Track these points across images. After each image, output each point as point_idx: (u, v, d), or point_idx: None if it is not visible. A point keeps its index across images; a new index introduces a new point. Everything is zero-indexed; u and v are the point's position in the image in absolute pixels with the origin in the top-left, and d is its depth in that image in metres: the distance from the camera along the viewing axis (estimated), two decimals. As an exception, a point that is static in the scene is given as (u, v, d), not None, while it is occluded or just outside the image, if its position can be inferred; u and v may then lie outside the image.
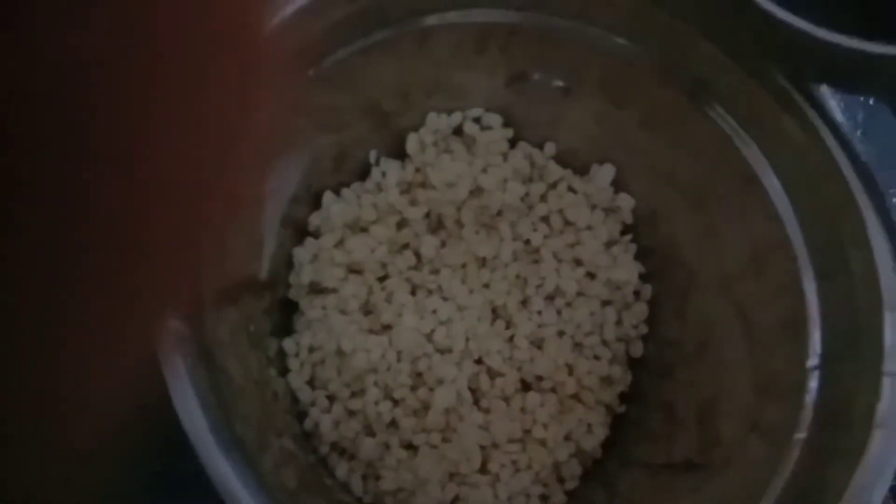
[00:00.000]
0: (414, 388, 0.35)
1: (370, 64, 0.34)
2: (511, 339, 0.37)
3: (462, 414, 0.35)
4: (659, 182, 0.37)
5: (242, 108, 0.14)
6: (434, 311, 0.36)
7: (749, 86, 0.32)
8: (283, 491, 0.29)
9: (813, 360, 0.31)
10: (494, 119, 0.39)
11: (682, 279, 0.37)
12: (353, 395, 0.35)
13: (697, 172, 0.36)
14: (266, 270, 0.36)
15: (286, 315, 0.37)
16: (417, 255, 0.37)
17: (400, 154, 0.38)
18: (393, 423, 0.35)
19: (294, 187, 0.36)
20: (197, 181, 0.14)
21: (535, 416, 0.36)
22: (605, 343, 0.37)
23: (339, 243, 0.37)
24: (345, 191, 0.38)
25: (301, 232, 0.37)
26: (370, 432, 0.35)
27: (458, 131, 0.39)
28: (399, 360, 0.35)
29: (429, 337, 0.36)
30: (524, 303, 0.37)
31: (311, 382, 0.36)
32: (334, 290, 0.36)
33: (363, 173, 0.38)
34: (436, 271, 0.37)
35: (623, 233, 0.39)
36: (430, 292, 0.37)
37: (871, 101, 0.40)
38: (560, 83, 0.37)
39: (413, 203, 0.38)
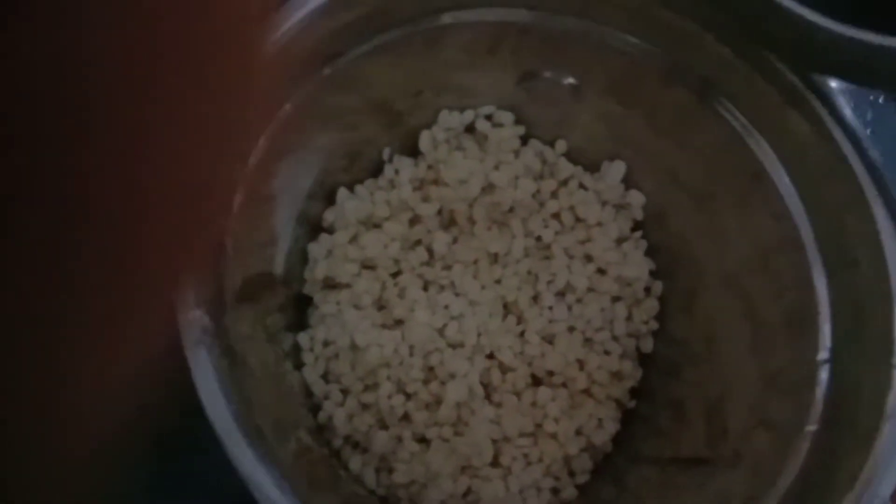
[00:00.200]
0: (426, 383, 0.36)
1: (382, 64, 0.35)
2: (522, 334, 0.37)
3: (474, 408, 0.35)
4: (667, 179, 0.37)
5: (242, 108, 0.14)
6: (446, 307, 0.37)
7: (757, 82, 0.32)
8: (302, 482, 0.29)
9: (822, 354, 0.31)
10: (506, 117, 0.39)
11: (690, 276, 0.37)
12: (367, 388, 0.36)
13: (706, 169, 0.36)
14: (282, 266, 0.36)
15: (301, 310, 0.37)
16: (430, 251, 0.38)
17: (413, 151, 0.39)
18: (405, 417, 0.35)
19: (309, 184, 0.37)
20: (196, 181, 0.14)
21: (546, 411, 0.36)
22: (615, 339, 0.38)
23: (353, 239, 0.37)
24: (358, 188, 0.38)
25: (315, 228, 0.38)
26: (383, 426, 0.35)
27: (470, 129, 0.39)
28: (412, 354, 0.36)
29: (441, 332, 0.36)
30: (535, 298, 0.37)
31: (325, 376, 0.36)
32: (348, 286, 0.37)
33: (376, 170, 0.39)
34: (448, 267, 0.37)
35: (633, 229, 0.39)
36: (442, 288, 0.37)
37: (880, 100, 0.40)
38: (570, 81, 0.37)
39: (425, 200, 0.38)
